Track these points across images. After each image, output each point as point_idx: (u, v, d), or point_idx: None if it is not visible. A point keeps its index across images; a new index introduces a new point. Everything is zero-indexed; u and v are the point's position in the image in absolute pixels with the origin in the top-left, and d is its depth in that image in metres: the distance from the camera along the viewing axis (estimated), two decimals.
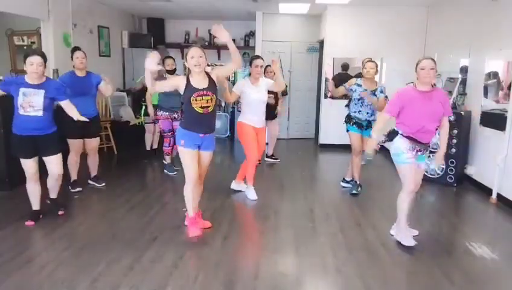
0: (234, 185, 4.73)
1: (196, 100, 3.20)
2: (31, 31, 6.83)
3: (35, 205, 3.76)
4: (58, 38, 5.82)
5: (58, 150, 3.66)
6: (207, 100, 3.23)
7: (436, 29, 6.66)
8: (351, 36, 7.11)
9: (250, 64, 4.36)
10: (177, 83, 3.30)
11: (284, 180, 5.29)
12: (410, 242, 3.34)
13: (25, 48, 7.08)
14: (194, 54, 3.18)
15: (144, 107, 6.16)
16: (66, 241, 3.41)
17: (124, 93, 7.06)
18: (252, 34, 8.78)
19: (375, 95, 4.49)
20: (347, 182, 4.94)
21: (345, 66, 7.23)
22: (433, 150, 3.73)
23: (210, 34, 8.97)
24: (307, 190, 4.94)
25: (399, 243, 3.42)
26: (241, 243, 3.41)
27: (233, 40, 9.82)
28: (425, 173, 5.34)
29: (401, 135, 3.29)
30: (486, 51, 4.94)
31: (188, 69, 3.30)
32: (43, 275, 2.82)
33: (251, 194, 4.49)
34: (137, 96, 7.30)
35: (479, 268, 3.11)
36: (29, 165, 3.59)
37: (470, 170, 5.23)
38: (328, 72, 7.27)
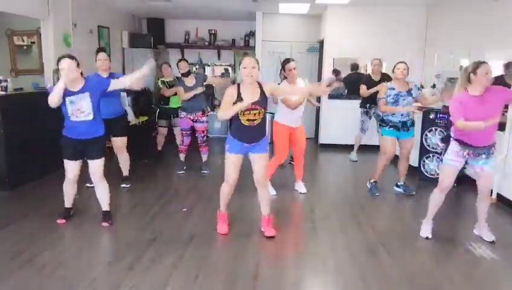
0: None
1: (244, 114, 3.21)
2: (31, 31, 6.82)
3: (68, 203, 3.83)
4: (58, 38, 5.81)
5: (103, 154, 3.69)
6: (254, 114, 3.22)
7: (436, 29, 6.66)
8: (351, 36, 7.11)
9: (284, 69, 4.32)
10: (231, 96, 3.21)
11: (284, 180, 5.29)
12: (425, 234, 3.55)
13: (24, 48, 7.09)
14: (247, 64, 3.15)
15: (158, 110, 6.22)
16: (66, 241, 3.42)
17: (124, 94, 7.02)
18: (252, 34, 8.77)
19: (411, 95, 4.46)
20: (398, 186, 4.82)
21: (355, 66, 7.21)
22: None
23: (210, 34, 8.98)
24: (307, 190, 4.93)
25: (398, 243, 3.44)
26: (241, 243, 3.41)
27: (233, 40, 9.74)
28: (425, 173, 5.39)
29: (452, 138, 3.34)
30: (486, 51, 4.94)
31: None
32: (43, 275, 2.83)
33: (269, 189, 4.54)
34: (140, 97, 7.33)
35: (479, 268, 3.11)
36: (71, 168, 3.62)
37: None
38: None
